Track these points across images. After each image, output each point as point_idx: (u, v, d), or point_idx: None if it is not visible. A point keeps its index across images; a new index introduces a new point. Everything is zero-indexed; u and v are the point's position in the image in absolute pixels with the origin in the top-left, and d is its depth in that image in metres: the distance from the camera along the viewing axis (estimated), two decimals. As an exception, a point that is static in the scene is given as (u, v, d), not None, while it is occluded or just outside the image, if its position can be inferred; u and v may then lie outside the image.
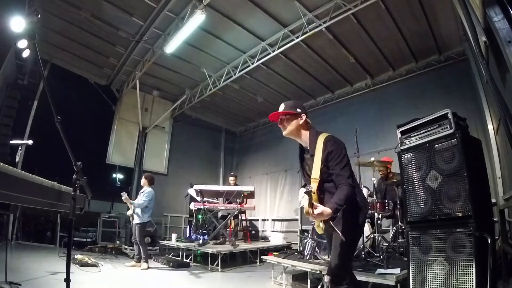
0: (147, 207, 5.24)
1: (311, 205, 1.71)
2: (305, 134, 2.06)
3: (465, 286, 2.29)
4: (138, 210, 5.20)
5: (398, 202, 4.28)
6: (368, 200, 4.50)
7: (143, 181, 5.55)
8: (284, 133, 2.08)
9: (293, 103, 2.12)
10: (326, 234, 2.12)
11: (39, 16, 1.96)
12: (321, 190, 1.95)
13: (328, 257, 3.82)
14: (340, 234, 1.84)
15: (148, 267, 5.07)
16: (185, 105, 9.02)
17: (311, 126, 2.10)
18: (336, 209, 1.74)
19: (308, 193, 1.72)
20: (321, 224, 1.88)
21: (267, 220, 9.23)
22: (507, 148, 3.24)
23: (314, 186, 1.89)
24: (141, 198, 5.25)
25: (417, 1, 5.05)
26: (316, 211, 1.70)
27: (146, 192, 5.33)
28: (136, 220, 5.20)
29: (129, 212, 5.31)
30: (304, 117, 2.05)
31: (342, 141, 2.02)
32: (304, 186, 2.20)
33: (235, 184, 7.37)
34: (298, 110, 2.06)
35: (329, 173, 1.91)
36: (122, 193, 5.24)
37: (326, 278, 1.96)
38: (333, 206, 1.73)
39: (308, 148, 2.03)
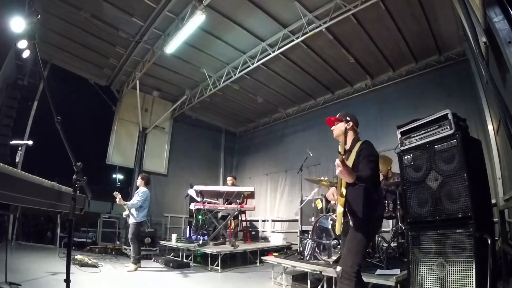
0: (142, 206, 5.24)
1: (343, 161, 1.95)
2: (350, 137, 2.43)
3: (465, 287, 2.29)
4: (132, 210, 5.20)
5: (398, 202, 4.28)
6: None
7: (139, 181, 5.56)
8: (334, 135, 2.52)
9: (344, 112, 2.55)
10: (342, 232, 2.28)
11: (39, 16, 1.97)
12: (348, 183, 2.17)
13: (328, 258, 3.84)
14: (352, 223, 2.11)
15: (136, 269, 4.93)
16: (185, 106, 9.02)
17: (357, 133, 2.50)
18: (358, 177, 2.01)
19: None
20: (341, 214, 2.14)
21: (267, 220, 9.22)
22: (507, 149, 3.24)
23: None
24: (135, 198, 5.25)
25: (417, 1, 5.05)
26: (347, 163, 1.99)
27: (140, 192, 5.34)
28: (130, 220, 5.22)
29: (125, 213, 5.31)
30: (350, 124, 2.46)
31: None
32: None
33: (233, 185, 7.36)
34: (347, 118, 2.48)
35: (358, 164, 2.18)
36: (115, 193, 5.20)
37: (338, 269, 2.08)
38: (357, 174, 2.02)
39: (349, 148, 2.39)
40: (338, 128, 2.46)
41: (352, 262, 2.04)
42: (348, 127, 2.43)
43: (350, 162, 2.22)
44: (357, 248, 2.10)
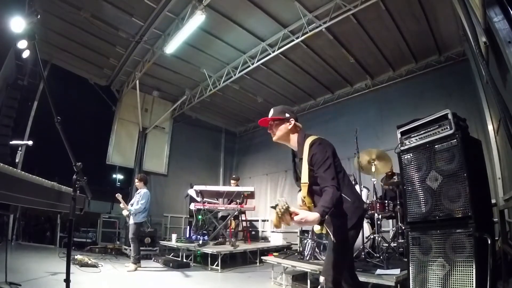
0: (145, 208, 5.28)
1: (286, 213, 1.62)
2: (294, 138, 2.07)
3: (465, 287, 2.29)
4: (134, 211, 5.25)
5: (398, 202, 4.28)
6: (368, 201, 4.52)
7: (137, 183, 5.57)
8: (274, 138, 2.10)
9: (281, 108, 2.13)
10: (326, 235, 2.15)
11: (39, 16, 1.96)
12: (312, 194, 1.93)
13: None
14: (331, 236, 1.86)
15: (136, 269, 4.94)
16: (185, 106, 9.02)
17: (300, 129, 2.11)
18: (324, 211, 1.68)
19: (274, 207, 1.67)
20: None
21: (267, 220, 9.22)
22: (507, 149, 3.24)
23: (304, 190, 1.90)
24: (138, 201, 5.28)
25: (417, 1, 5.05)
26: (297, 218, 1.62)
27: (142, 194, 5.36)
28: (131, 220, 5.25)
29: (125, 213, 5.34)
30: (293, 122, 2.06)
31: (331, 143, 2.04)
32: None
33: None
34: (287, 115, 2.07)
35: (314, 176, 1.89)
36: (117, 194, 5.29)
37: (321, 279, 1.95)
38: (320, 210, 1.68)
39: (297, 152, 2.04)
40: (279, 131, 2.06)
41: (334, 272, 1.88)
42: (290, 126, 2.06)
43: (305, 173, 1.90)
44: (340, 257, 1.91)
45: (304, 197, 1.90)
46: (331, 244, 1.92)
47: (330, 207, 1.72)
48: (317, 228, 1.88)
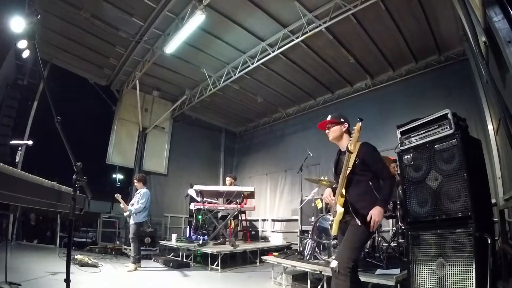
0: (144, 207, 5.29)
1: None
2: (346, 139, 2.41)
3: (465, 287, 2.29)
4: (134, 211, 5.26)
5: (398, 202, 4.28)
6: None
7: (136, 183, 5.58)
8: (330, 138, 2.50)
9: (338, 114, 2.52)
10: (339, 232, 2.28)
11: (39, 16, 1.96)
12: (349, 180, 2.21)
13: (328, 257, 3.84)
14: (357, 221, 2.09)
15: (136, 269, 4.94)
16: (185, 106, 9.02)
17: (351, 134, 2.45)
18: (386, 201, 2.15)
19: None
20: (340, 211, 2.15)
21: (267, 220, 9.23)
22: (507, 149, 3.23)
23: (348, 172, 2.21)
24: (138, 201, 5.28)
25: (417, 1, 5.06)
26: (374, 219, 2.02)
27: (141, 194, 5.36)
28: (132, 221, 5.26)
29: (126, 213, 5.36)
30: (346, 126, 2.45)
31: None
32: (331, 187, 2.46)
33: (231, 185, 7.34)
34: (342, 120, 2.46)
35: (361, 167, 2.23)
36: (116, 195, 5.32)
37: (334, 264, 2.04)
38: (381, 203, 2.10)
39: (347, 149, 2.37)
40: (335, 131, 2.45)
41: (348, 258, 2.04)
42: (344, 129, 2.44)
43: (351, 161, 2.22)
44: (356, 244, 2.10)
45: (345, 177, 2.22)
46: (355, 230, 2.11)
47: (388, 200, 2.17)
48: (340, 210, 2.14)
